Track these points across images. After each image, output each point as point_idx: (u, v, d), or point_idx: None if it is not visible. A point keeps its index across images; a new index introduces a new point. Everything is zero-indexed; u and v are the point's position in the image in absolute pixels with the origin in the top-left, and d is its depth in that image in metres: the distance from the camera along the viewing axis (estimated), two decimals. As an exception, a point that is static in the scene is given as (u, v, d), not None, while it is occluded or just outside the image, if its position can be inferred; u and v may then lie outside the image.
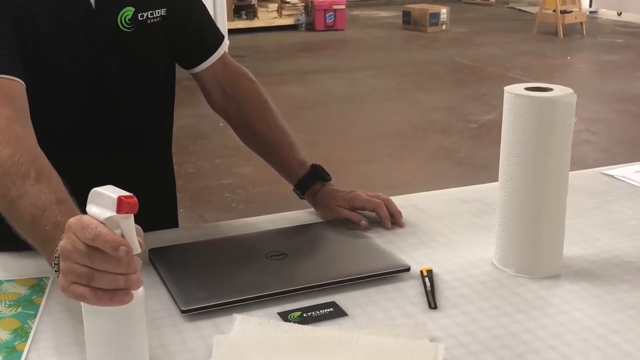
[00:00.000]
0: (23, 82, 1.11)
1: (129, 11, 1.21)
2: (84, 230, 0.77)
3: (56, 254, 0.86)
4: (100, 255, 0.77)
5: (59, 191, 0.95)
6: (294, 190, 1.33)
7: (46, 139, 1.12)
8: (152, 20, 1.24)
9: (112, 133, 1.26)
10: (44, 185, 0.95)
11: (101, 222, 0.77)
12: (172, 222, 1.42)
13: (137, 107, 1.28)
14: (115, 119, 1.25)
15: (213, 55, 1.33)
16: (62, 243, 0.81)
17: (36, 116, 1.13)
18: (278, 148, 1.35)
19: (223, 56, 1.36)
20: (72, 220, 0.80)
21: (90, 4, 1.18)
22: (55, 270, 0.87)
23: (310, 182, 1.31)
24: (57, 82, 1.19)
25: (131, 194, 0.77)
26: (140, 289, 0.81)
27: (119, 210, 0.76)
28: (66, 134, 1.22)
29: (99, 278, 0.78)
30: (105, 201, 0.77)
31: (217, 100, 1.37)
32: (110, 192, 0.77)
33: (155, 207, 1.26)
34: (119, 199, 0.76)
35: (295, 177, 1.32)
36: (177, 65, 1.34)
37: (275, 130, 1.35)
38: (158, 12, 1.25)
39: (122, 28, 1.21)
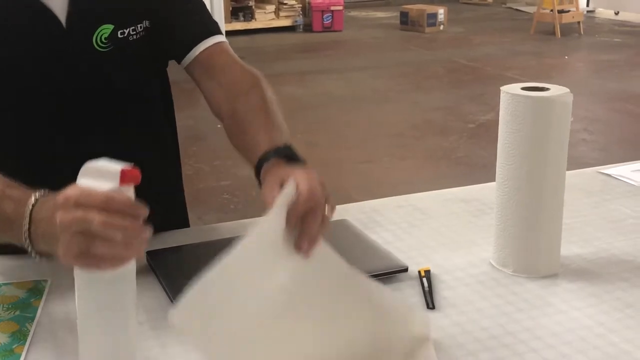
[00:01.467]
0: None
1: (106, 29, 1.14)
2: (91, 197, 0.76)
3: (25, 227, 0.84)
4: (105, 215, 0.75)
5: (3, 182, 0.93)
6: (255, 175, 1.04)
7: (33, 155, 1.10)
8: (135, 36, 1.17)
9: (103, 148, 1.22)
10: None
11: None
12: (182, 223, 1.41)
13: (126, 121, 1.23)
14: (100, 137, 1.20)
15: (199, 45, 1.21)
16: (60, 217, 0.77)
17: (18, 135, 1.13)
18: (251, 128, 1.11)
19: (219, 48, 1.22)
20: (68, 192, 0.78)
21: (61, 23, 1.12)
22: (28, 245, 0.85)
23: (270, 156, 1.02)
24: (34, 104, 1.15)
25: (132, 165, 0.77)
26: (132, 262, 0.80)
27: (122, 182, 0.76)
28: (48, 149, 1.19)
29: (102, 243, 0.76)
30: (104, 174, 0.77)
31: (208, 90, 1.23)
32: (110, 165, 0.77)
33: (164, 210, 1.25)
34: (123, 170, 0.76)
35: (257, 157, 1.03)
36: (173, 65, 1.32)
37: (255, 106, 1.15)
38: (141, 27, 1.18)
39: (98, 48, 1.14)
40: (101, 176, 0.77)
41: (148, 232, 0.78)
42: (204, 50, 1.21)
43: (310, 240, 0.85)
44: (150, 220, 0.80)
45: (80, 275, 0.79)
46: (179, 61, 1.25)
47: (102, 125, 1.22)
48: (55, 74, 1.15)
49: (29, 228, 0.85)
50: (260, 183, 1.01)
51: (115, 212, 0.75)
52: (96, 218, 0.75)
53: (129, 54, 1.19)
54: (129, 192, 0.78)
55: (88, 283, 0.79)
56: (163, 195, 1.33)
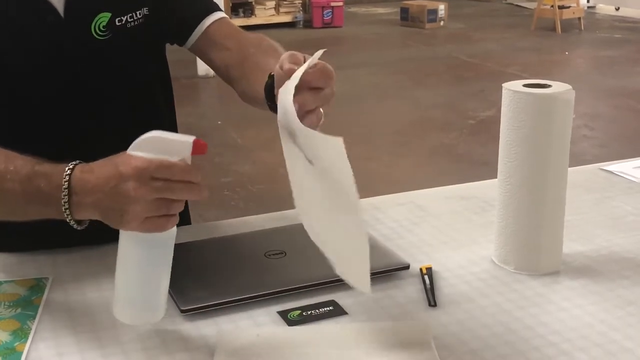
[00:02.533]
0: None
1: (104, 17, 1.15)
2: (168, 169, 0.85)
3: (65, 199, 0.89)
4: (177, 184, 0.86)
5: (30, 159, 0.95)
6: (266, 101, 1.06)
7: (31, 144, 1.10)
8: (133, 23, 1.18)
9: (102, 142, 1.21)
10: (16, 162, 0.95)
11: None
12: (183, 220, 1.40)
13: (125, 109, 1.23)
14: (100, 127, 1.20)
15: (200, 24, 1.24)
16: (134, 187, 0.84)
17: (17, 125, 1.13)
18: (262, 60, 1.13)
19: (223, 22, 1.26)
20: (135, 163, 0.85)
21: (58, 13, 1.12)
22: (67, 215, 0.91)
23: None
24: (30, 95, 1.15)
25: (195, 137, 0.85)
26: (174, 227, 0.89)
27: (195, 152, 0.84)
28: (47, 139, 1.17)
29: (178, 205, 0.88)
30: (170, 145, 0.84)
31: (218, 59, 1.25)
32: (177, 137, 0.85)
33: None
34: (196, 141, 0.84)
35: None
36: (173, 62, 1.32)
37: (266, 46, 1.20)
38: (140, 13, 1.19)
39: (96, 36, 1.15)
40: (168, 147, 0.84)
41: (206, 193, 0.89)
42: (209, 26, 1.25)
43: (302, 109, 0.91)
44: None
45: (126, 235, 0.87)
46: (182, 42, 1.27)
47: (101, 114, 1.21)
48: (55, 63, 1.14)
49: (69, 199, 0.90)
50: (268, 101, 1.05)
51: (190, 181, 0.87)
52: (178, 188, 0.86)
53: (128, 41, 1.19)
54: (190, 160, 0.86)
55: (134, 242, 0.87)
56: None
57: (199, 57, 1.30)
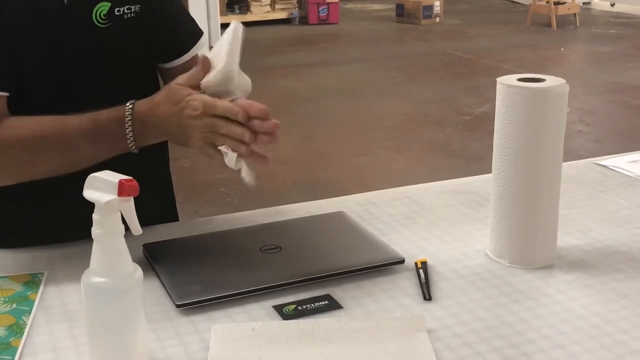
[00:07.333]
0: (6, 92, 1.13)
1: (104, 6, 1.18)
2: (214, 108, 1.03)
3: (129, 129, 1.07)
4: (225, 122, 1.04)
5: (85, 116, 1.09)
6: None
7: None
8: (129, 15, 1.22)
9: None
10: (72, 120, 1.09)
11: (104, 204, 0.79)
12: (171, 216, 1.41)
13: (118, 100, 1.24)
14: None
15: (187, 54, 1.30)
16: (192, 121, 1.04)
17: (19, 109, 1.13)
18: None
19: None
20: (192, 103, 1.03)
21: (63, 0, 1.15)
22: (131, 142, 1.09)
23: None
24: (32, 79, 1.16)
25: (130, 177, 0.79)
26: (139, 272, 0.82)
27: (120, 194, 0.78)
28: None
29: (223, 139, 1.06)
30: (104, 185, 0.79)
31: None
32: (110, 177, 0.79)
33: (152, 203, 1.26)
34: (120, 182, 0.78)
35: None
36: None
37: None
38: (133, 8, 1.22)
39: (97, 24, 1.18)
40: (103, 188, 0.79)
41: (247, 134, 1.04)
42: (189, 60, 1.30)
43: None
44: (136, 211, 0.81)
45: (88, 288, 0.81)
46: (159, 63, 1.31)
47: (98, 102, 1.22)
48: (58, 49, 1.17)
49: (132, 129, 1.08)
50: None
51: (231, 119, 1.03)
52: (220, 125, 1.04)
53: (125, 33, 1.22)
54: (127, 202, 0.80)
55: (96, 296, 0.81)
56: (150, 185, 1.33)
57: (164, 80, 1.33)
